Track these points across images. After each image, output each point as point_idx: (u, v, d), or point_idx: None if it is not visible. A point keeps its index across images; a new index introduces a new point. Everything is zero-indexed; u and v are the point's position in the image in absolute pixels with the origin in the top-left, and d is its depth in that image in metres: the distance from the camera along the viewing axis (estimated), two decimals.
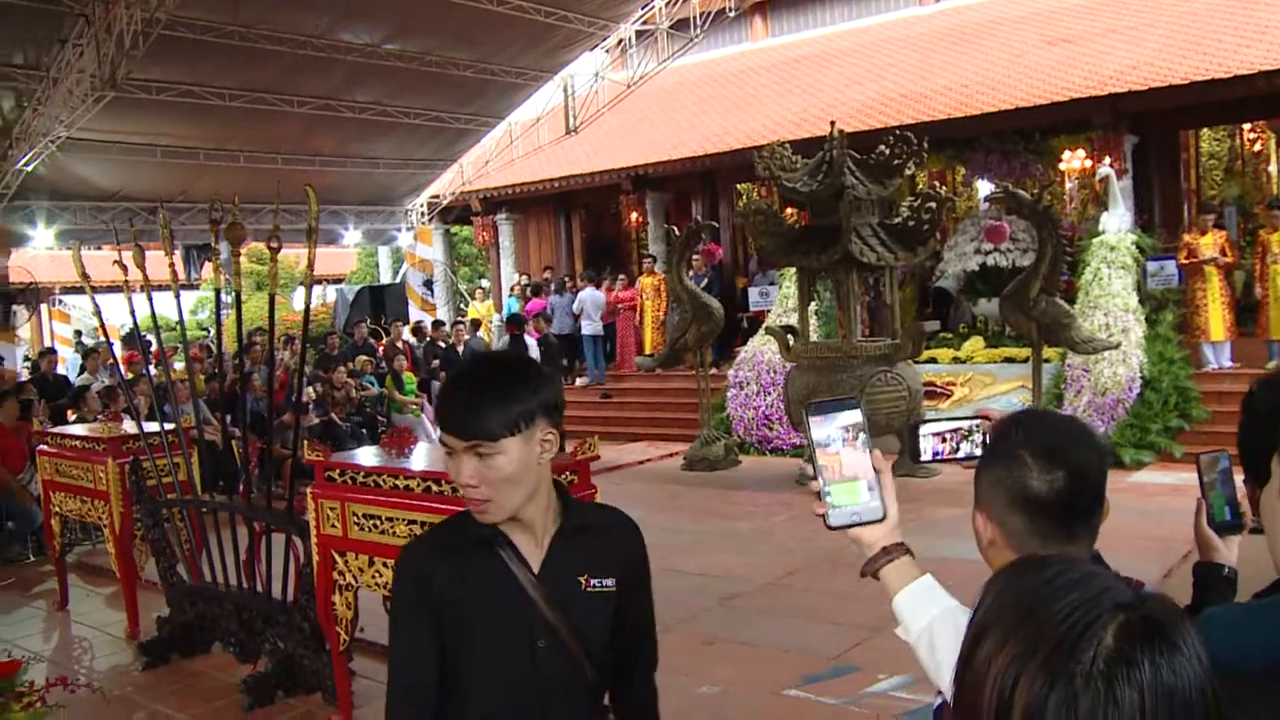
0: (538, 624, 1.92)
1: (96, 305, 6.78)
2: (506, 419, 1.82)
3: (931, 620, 1.52)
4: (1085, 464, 1.60)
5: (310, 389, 12.83)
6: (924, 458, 1.84)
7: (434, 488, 4.41)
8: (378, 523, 4.65)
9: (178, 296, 6.07)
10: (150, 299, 6.30)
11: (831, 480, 1.57)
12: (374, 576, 4.73)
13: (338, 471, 4.87)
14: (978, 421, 1.81)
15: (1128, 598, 0.92)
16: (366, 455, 5.17)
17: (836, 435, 1.56)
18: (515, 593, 1.91)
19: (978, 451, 1.81)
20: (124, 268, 6.25)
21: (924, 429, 1.82)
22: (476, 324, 17.18)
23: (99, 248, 17.82)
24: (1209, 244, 11.75)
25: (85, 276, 6.51)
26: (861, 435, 1.57)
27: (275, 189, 6.80)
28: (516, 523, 1.93)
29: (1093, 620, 0.90)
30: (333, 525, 4.85)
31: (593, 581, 1.98)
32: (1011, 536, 1.60)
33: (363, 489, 4.73)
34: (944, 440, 1.82)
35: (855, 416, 1.57)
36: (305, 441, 5.15)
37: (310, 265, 5.09)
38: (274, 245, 5.18)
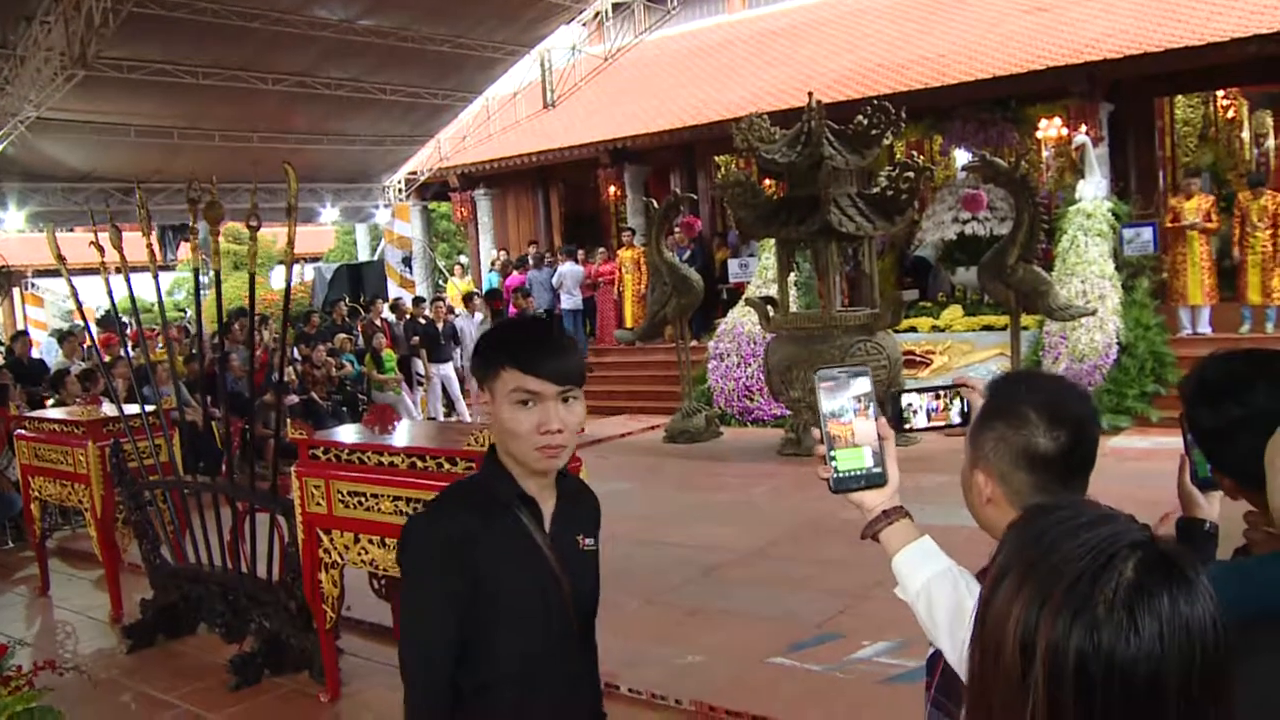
0: (550, 583, 1.98)
1: (74, 288, 6.73)
2: (582, 367, 2.01)
3: (929, 579, 1.57)
4: (1084, 420, 1.68)
5: (290, 368, 12.78)
6: (905, 426, 1.86)
7: (419, 464, 4.41)
8: (363, 500, 4.66)
9: (156, 277, 6.03)
10: (128, 280, 6.25)
11: (837, 446, 1.62)
12: (360, 554, 4.74)
13: (321, 450, 4.87)
14: (959, 389, 1.84)
15: (1142, 536, 0.98)
16: (350, 433, 5.17)
17: (848, 406, 1.62)
18: (534, 553, 1.98)
19: (958, 419, 1.83)
20: (101, 249, 6.20)
21: (905, 398, 1.84)
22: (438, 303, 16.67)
23: (71, 229, 17.65)
24: (1192, 209, 11.84)
25: (61, 259, 6.46)
26: (871, 405, 1.62)
27: (252, 168, 6.78)
28: (537, 482, 2.01)
29: (1112, 555, 0.95)
30: (318, 503, 4.86)
31: (586, 541, 2.09)
32: (1014, 493, 1.66)
33: (347, 466, 4.74)
34: (925, 408, 1.84)
35: (865, 386, 1.63)
36: (289, 421, 5.14)
37: (290, 243, 5.06)
38: (253, 224, 5.15)
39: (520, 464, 1.98)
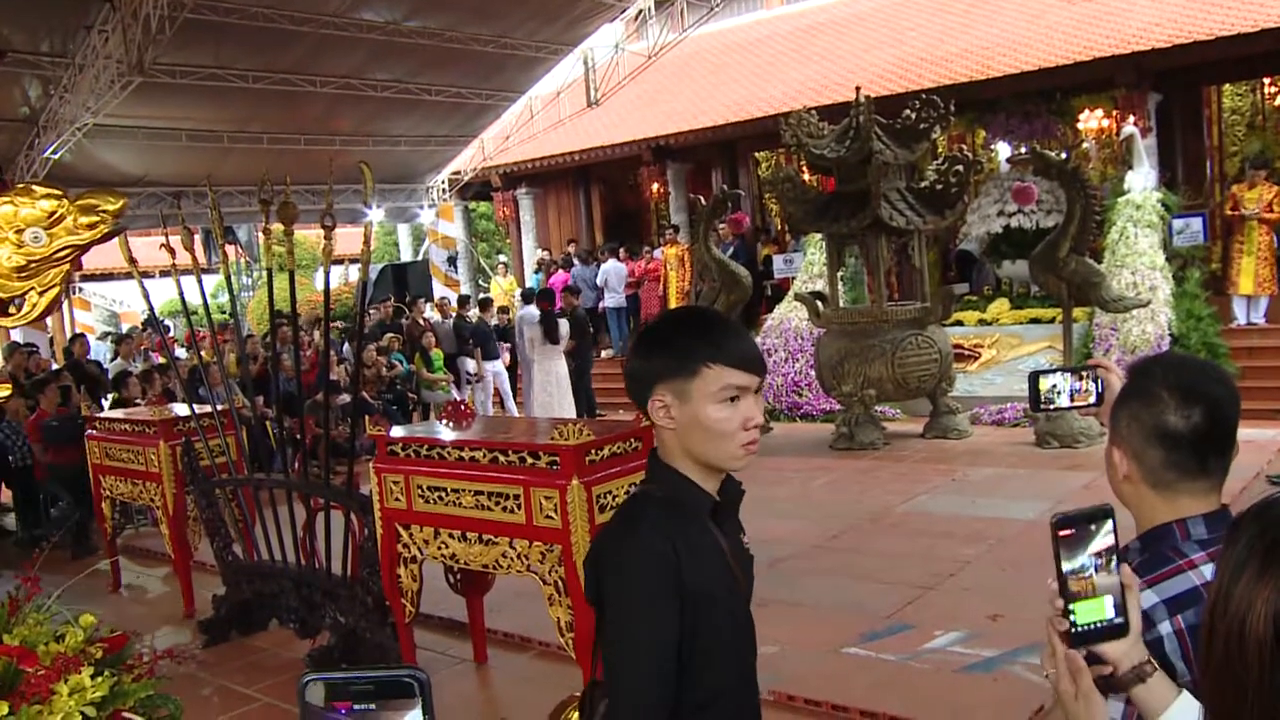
0: (735, 588, 1.88)
1: (145, 289, 6.84)
2: None
3: None
4: (1220, 401, 1.69)
5: (341, 368, 12.93)
6: (1052, 406, 1.91)
7: (501, 458, 4.48)
8: (443, 494, 4.73)
9: (229, 279, 6.16)
10: (200, 282, 6.37)
11: (1077, 598, 1.49)
12: (440, 548, 4.82)
13: (400, 445, 4.95)
14: (1095, 369, 1.89)
15: None
16: (427, 429, 5.25)
17: (1090, 563, 1.48)
18: (723, 559, 1.86)
19: (1093, 400, 1.89)
20: (172, 251, 6.32)
21: (1048, 379, 1.89)
22: (489, 302, 16.23)
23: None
24: (1254, 198, 11.72)
25: (133, 262, 6.59)
26: (1113, 560, 1.48)
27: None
28: (712, 485, 1.88)
29: None
30: (396, 499, 4.94)
31: (745, 541, 1.98)
32: (1148, 471, 1.70)
33: (427, 462, 4.81)
34: (1069, 389, 1.89)
35: (1108, 539, 1.48)
36: (366, 418, 5.23)
37: (366, 241, 5.16)
38: (328, 224, 5.24)
39: (706, 466, 1.85)
